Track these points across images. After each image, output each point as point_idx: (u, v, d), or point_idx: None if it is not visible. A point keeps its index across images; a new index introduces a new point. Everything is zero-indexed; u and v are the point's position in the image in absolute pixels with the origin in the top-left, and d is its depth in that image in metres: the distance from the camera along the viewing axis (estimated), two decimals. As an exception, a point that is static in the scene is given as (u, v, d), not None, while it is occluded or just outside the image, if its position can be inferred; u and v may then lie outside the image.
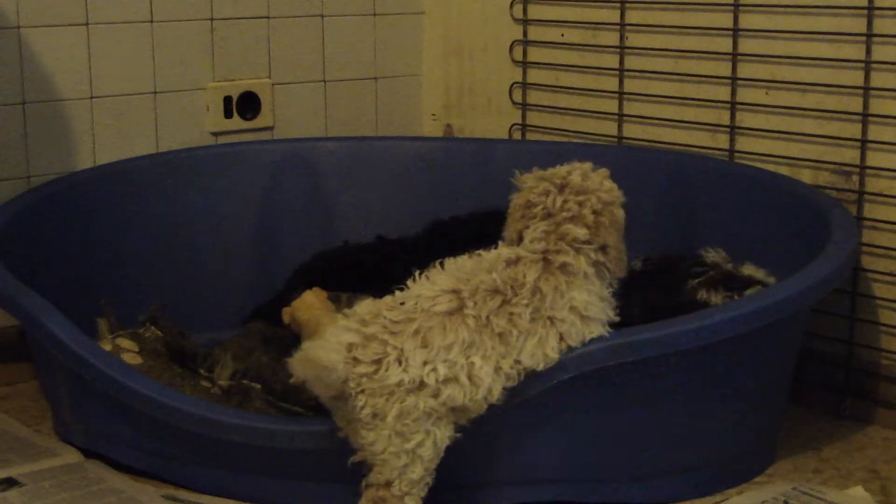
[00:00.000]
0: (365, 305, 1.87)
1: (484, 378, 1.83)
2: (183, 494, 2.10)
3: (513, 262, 1.92)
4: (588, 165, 2.01)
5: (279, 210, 2.89)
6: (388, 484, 1.81)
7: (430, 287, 1.87)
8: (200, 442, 2.05)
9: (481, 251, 1.95)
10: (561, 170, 2.01)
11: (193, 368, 2.38)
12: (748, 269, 2.32)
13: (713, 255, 2.37)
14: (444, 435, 1.83)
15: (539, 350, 1.89)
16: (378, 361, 1.79)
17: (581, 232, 1.94)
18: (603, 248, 1.95)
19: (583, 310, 1.92)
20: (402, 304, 1.85)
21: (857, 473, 2.23)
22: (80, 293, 2.49)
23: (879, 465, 2.27)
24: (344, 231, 2.90)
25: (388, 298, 1.88)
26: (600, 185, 1.98)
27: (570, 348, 1.92)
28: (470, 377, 1.83)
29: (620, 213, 1.99)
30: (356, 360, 1.79)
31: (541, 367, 1.89)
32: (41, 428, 2.39)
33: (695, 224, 2.59)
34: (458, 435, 1.86)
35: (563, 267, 1.92)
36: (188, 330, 2.48)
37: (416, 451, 1.81)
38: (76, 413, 2.24)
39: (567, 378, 1.93)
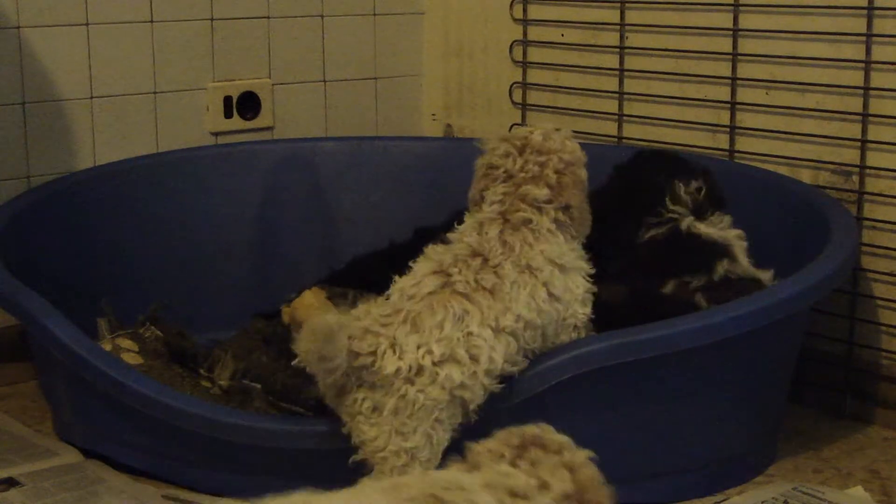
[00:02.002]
0: (360, 308, 1.88)
1: (483, 347, 1.83)
2: (183, 494, 2.10)
3: (479, 226, 1.95)
4: (550, 126, 2.03)
5: (279, 210, 2.89)
6: None
7: (412, 276, 1.89)
8: (200, 442, 2.05)
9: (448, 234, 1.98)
10: (522, 130, 2.03)
11: (193, 368, 2.38)
12: (709, 228, 2.29)
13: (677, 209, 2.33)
14: (442, 437, 1.82)
15: (533, 301, 1.89)
16: (374, 353, 1.80)
17: (542, 192, 1.96)
18: (566, 208, 1.97)
19: (557, 258, 1.94)
20: (388, 297, 1.87)
21: (857, 473, 2.23)
22: (80, 293, 2.49)
23: (879, 465, 2.27)
24: (344, 231, 2.90)
25: (378, 298, 1.90)
26: (562, 145, 2.00)
27: (558, 300, 1.92)
28: (468, 350, 1.82)
29: (583, 174, 2.01)
30: (355, 354, 1.79)
31: (538, 321, 1.89)
32: (41, 428, 2.39)
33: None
34: (455, 436, 1.85)
35: (526, 223, 1.94)
36: (188, 330, 2.49)
37: (414, 452, 1.80)
38: (76, 413, 2.24)
39: (567, 378, 1.94)
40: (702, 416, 2.09)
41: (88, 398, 2.18)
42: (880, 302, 2.44)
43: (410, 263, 1.94)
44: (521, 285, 1.89)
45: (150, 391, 2.06)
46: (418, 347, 1.80)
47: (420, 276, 1.88)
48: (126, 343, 2.34)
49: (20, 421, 2.43)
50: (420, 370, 1.80)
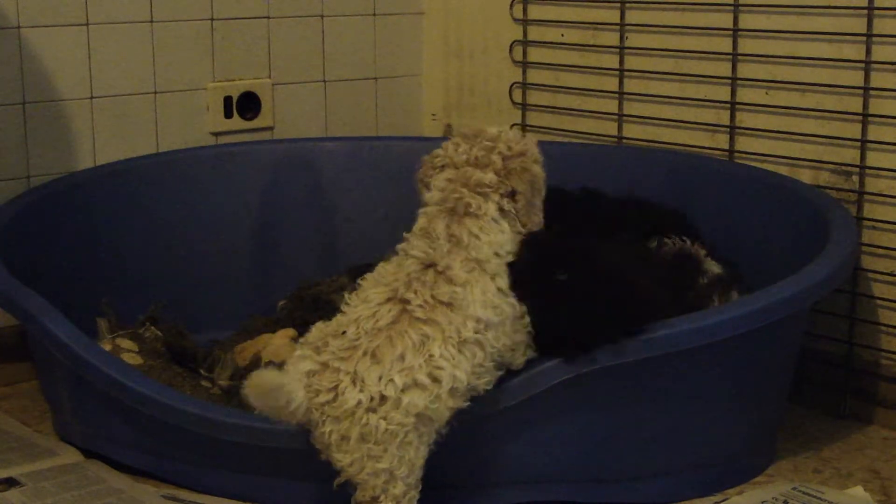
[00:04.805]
0: (315, 332, 1.84)
1: (445, 368, 1.79)
2: (183, 494, 2.10)
3: (426, 224, 1.90)
4: (507, 127, 2.01)
5: (279, 210, 2.89)
6: (375, 500, 1.81)
7: (366, 306, 1.83)
8: (200, 442, 2.05)
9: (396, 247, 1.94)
10: (477, 126, 2.01)
11: (193, 368, 2.38)
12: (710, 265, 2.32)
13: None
14: (416, 455, 1.80)
15: (485, 299, 1.84)
16: (335, 388, 1.78)
17: (486, 176, 1.91)
18: (511, 194, 1.93)
19: (501, 250, 1.90)
20: (345, 332, 1.81)
21: (857, 473, 2.23)
22: (80, 293, 2.49)
23: (879, 465, 2.27)
24: (344, 231, 2.90)
25: (333, 323, 1.84)
26: (515, 137, 1.97)
27: (506, 294, 1.87)
28: (430, 374, 1.79)
29: (537, 169, 1.96)
30: (316, 391, 1.78)
31: (495, 319, 1.84)
32: (41, 428, 2.39)
33: (695, 224, 2.58)
34: (433, 448, 1.84)
35: (468, 211, 1.89)
36: (188, 330, 2.49)
37: (391, 471, 1.79)
38: (76, 413, 2.24)
39: (567, 378, 1.94)
40: (702, 416, 2.09)
41: (88, 398, 2.18)
42: (880, 302, 2.44)
43: (360, 281, 1.89)
44: (472, 284, 1.84)
45: (150, 391, 2.06)
46: (380, 379, 1.77)
47: (374, 304, 1.83)
48: (126, 343, 2.34)
49: (20, 421, 2.43)
50: (383, 399, 1.77)
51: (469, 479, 2.02)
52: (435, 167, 1.97)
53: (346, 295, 1.89)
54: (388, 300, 1.83)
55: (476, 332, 1.82)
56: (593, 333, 1.92)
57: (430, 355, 1.79)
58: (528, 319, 1.91)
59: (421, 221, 1.93)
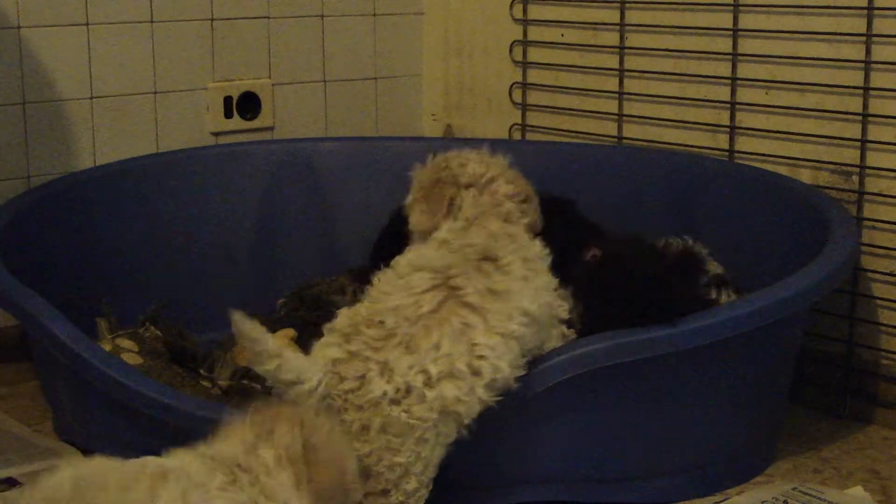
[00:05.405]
0: (343, 319, 1.83)
1: (489, 356, 1.78)
2: (183, 494, 2.09)
3: (467, 228, 1.97)
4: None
5: (279, 210, 2.89)
6: (386, 493, 1.81)
7: (408, 293, 1.82)
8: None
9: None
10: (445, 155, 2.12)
11: (193, 368, 2.38)
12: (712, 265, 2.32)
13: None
14: (431, 454, 1.80)
15: (537, 294, 1.89)
16: (362, 377, 1.77)
17: (508, 187, 2.04)
18: (524, 201, 2.05)
19: (539, 252, 1.96)
20: (382, 322, 1.79)
21: (856, 473, 2.23)
22: (80, 293, 2.49)
23: (879, 465, 2.27)
24: (343, 231, 2.90)
25: (363, 310, 1.82)
26: (491, 159, 2.11)
27: (548, 291, 1.93)
28: (470, 364, 1.78)
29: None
30: (340, 377, 1.77)
31: (542, 315, 1.88)
32: (41, 428, 2.39)
33: (695, 224, 2.58)
34: (452, 449, 1.83)
35: (508, 217, 2.00)
36: (188, 330, 2.49)
37: (407, 466, 1.78)
38: (76, 413, 2.24)
39: (567, 378, 1.94)
40: (702, 416, 2.09)
41: (88, 398, 2.18)
42: (880, 302, 2.44)
43: (392, 265, 1.88)
44: (526, 280, 1.88)
45: (150, 391, 2.06)
46: (410, 368, 1.76)
47: (419, 291, 1.81)
48: (126, 343, 2.34)
49: (20, 421, 2.43)
50: (409, 390, 1.76)
51: (469, 479, 2.01)
52: (465, 186, 2.06)
53: (377, 278, 1.87)
54: (435, 287, 1.82)
55: (521, 326, 1.83)
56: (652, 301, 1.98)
57: (474, 343, 1.78)
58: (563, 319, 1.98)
59: (465, 218, 1.99)
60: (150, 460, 1.52)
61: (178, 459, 1.55)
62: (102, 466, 1.49)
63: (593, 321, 2.01)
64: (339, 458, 1.58)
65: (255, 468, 1.52)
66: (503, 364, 1.81)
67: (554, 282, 1.95)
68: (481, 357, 1.78)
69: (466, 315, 1.80)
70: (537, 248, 1.96)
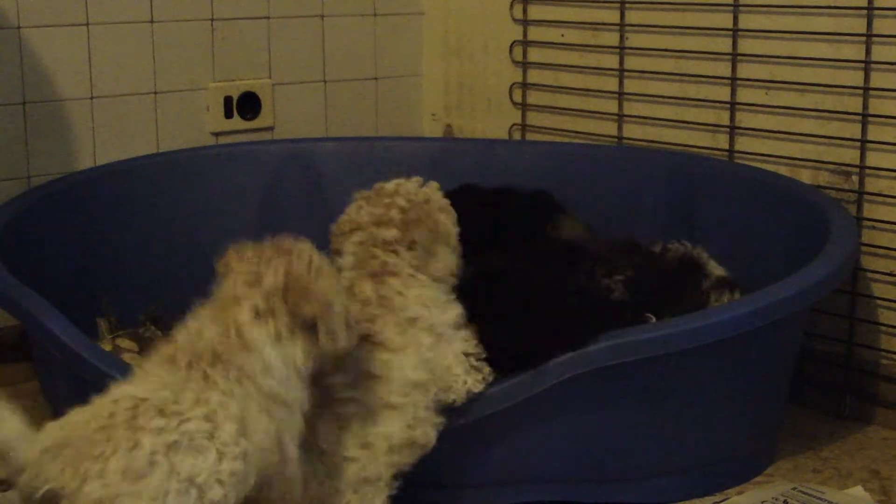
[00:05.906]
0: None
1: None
2: (183, 494, 2.09)
3: (350, 290, 1.84)
4: (415, 179, 1.96)
5: (279, 210, 2.89)
6: None
7: None
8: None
9: None
10: (379, 183, 1.96)
11: (193, 368, 2.37)
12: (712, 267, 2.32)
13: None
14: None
15: (419, 358, 1.81)
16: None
17: (389, 233, 1.87)
18: (409, 246, 1.87)
19: (431, 302, 1.85)
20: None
21: (856, 473, 2.23)
22: (80, 293, 2.49)
23: (879, 464, 2.27)
24: (344, 231, 2.90)
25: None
26: (412, 188, 1.93)
27: (440, 336, 1.84)
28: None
29: (440, 217, 1.91)
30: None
31: (429, 376, 1.81)
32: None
33: (694, 224, 2.58)
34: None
35: (386, 269, 1.85)
36: (188, 330, 2.48)
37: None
38: (76, 413, 2.24)
39: (566, 378, 1.94)
40: (701, 416, 2.09)
41: (88, 398, 2.18)
42: (880, 302, 2.45)
43: None
44: (404, 348, 1.80)
45: (150, 391, 2.05)
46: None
47: None
48: (126, 343, 2.34)
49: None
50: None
51: (469, 479, 2.02)
52: (343, 233, 1.93)
53: None
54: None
55: (405, 396, 1.78)
56: (543, 344, 1.92)
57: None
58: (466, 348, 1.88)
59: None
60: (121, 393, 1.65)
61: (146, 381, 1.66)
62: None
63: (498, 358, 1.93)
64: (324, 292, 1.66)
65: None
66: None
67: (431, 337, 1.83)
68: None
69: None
70: (419, 304, 1.83)
